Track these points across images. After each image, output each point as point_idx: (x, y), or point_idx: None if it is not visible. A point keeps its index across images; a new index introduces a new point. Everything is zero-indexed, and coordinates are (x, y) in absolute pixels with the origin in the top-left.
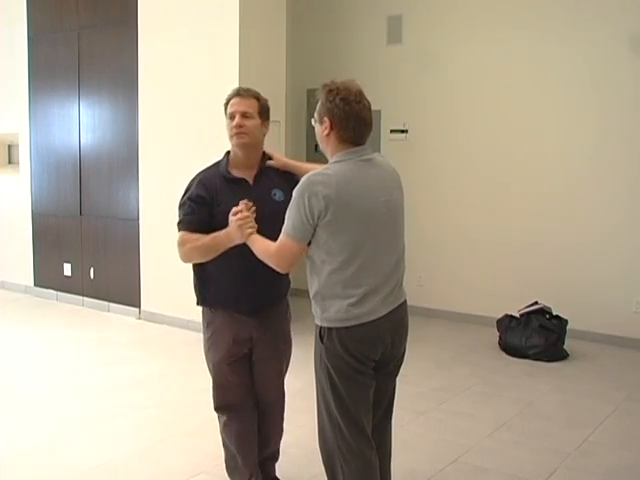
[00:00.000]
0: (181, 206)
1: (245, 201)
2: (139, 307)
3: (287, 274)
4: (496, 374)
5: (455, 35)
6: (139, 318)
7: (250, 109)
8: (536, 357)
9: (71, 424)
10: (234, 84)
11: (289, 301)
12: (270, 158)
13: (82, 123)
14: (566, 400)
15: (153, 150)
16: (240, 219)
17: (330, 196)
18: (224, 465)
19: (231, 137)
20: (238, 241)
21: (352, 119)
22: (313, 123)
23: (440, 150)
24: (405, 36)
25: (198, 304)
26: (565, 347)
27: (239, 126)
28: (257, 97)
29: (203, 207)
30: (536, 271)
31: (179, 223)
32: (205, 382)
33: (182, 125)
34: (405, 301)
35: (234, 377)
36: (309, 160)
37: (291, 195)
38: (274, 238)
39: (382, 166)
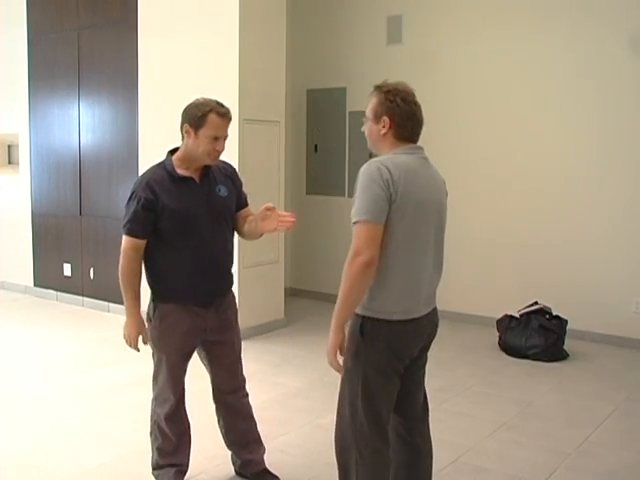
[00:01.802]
0: (127, 208)
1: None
2: None
3: (230, 268)
4: (496, 374)
5: (455, 35)
6: None
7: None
8: (536, 357)
9: (71, 424)
10: (234, 84)
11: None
12: None
13: (82, 123)
14: (566, 400)
15: (153, 150)
16: (127, 342)
17: (400, 182)
18: (155, 454)
19: (207, 154)
20: (126, 336)
21: (411, 119)
22: (364, 122)
23: (440, 150)
24: (405, 36)
25: (153, 301)
26: (565, 347)
27: (218, 152)
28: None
29: (150, 212)
30: (536, 271)
31: (124, 227)
32: (205, 382)
33: None
34: (436, 307)
35: (184, 369)
36: (309, 159)
37: (233, 190)
38: (224, 230)
39: (434, 170)
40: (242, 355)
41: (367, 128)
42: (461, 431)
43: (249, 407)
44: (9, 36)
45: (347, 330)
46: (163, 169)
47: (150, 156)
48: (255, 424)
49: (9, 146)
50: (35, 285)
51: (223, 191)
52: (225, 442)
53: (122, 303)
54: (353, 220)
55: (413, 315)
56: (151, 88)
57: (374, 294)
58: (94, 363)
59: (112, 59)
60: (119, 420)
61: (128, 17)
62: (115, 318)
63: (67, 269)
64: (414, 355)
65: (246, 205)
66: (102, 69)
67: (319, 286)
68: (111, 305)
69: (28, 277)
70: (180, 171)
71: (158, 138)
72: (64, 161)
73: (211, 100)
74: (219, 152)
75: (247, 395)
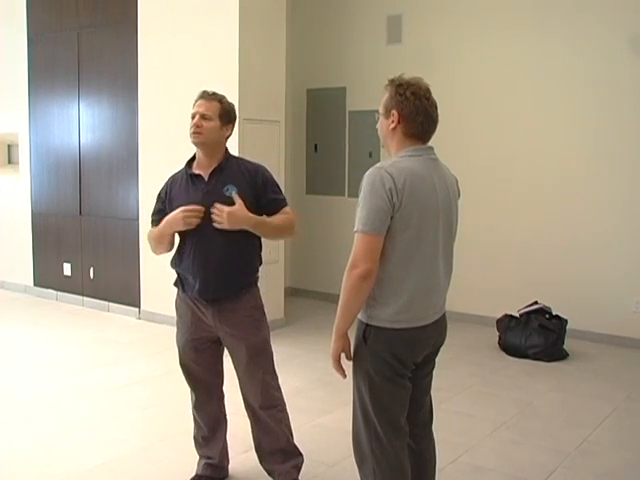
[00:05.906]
0: None
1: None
2: (139, 307)
3: (251, 268)
4: (496, 374)
5: (455, 35)
6: (139, 318)
7: (209, 111)
8: (536, 357)
9: (71, 424)
10: (234, 84)
11: (256, 296)
12: (230, 157)
13: (82, 123)
14: (566, 400)
15: (153, 150)
16: (187, 210)
17: (404, 189)
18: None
19: (190, 135)
20: (175, 227)
21: (421, 114)
22: (376, 118)
23: (440, 150)
24: (405, 36)
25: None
26: (565, 347)
27: (196, 126)
28: (220, 100)
29: (160, 205)
30: (536, 270)
31: None
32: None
33: (182, 125)
34: (445, 313)
35: (198, 360)
36: (309, 159)
37: (249, 193)
38: (227, 230)
39: (445, 170)
40: (264, 363)
41: (379, 124)
42: (461, 431)
43: (272, 420)
44: (9, 36)
45: (354, 335)
46: (185, 167)
47: (150, 156)
48: (277, 437)
49: (9, 146)
50: (35, 285)
51: (230, 191)
52: None
53: (122, 303)
54: (354, 229)
55: (420, 323)
56: (151, 88)
57: (378, 303)
58: (94, 363)
59: (112, 59)
60: (119, 420)
61: (128, 17)
62: (115, 318)
63: (67, 269)
64: (418, 361)
65: (272, 210)
66: (102, 69)
67: (319, 286)
68: (111, 305)
69: (28, 277)
70: (195, 169)
71: (158, 138)
72: (64, 161)
73: None
74: (193, 126)
75: (270, 408)
